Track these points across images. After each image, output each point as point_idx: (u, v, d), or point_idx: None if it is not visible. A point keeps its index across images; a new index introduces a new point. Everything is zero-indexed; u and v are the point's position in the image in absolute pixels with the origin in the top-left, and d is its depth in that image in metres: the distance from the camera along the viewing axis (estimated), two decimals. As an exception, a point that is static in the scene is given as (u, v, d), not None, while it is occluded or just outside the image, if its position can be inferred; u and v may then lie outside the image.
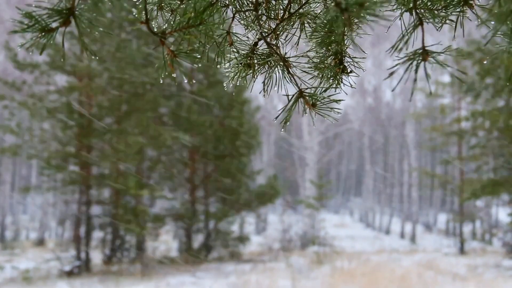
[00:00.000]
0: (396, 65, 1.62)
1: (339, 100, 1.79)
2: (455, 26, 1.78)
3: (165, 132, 19.18)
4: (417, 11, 1.66)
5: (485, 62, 19.63)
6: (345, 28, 1.63)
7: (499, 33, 1.68)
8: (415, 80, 1.60)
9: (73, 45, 19.11)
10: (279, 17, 1.91)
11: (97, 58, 18.57)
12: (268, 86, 1.90)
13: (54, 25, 1.57)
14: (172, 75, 1.85)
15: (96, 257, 20.00)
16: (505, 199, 22.52)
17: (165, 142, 19.39)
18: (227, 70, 1.89)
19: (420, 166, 49.30)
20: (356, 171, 69.02)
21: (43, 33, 1.56)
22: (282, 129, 1.92)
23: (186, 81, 22.20)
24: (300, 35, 1.90)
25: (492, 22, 1.66)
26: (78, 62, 18.76)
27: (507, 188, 20.24)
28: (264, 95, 1.94)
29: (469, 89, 20.95)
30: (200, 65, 1.83)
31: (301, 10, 1.90)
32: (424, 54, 1.60)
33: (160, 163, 21.56)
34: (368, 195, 52.44)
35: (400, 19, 1.68)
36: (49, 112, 18.55)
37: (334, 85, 1.85)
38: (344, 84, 1.88)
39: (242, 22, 1.93)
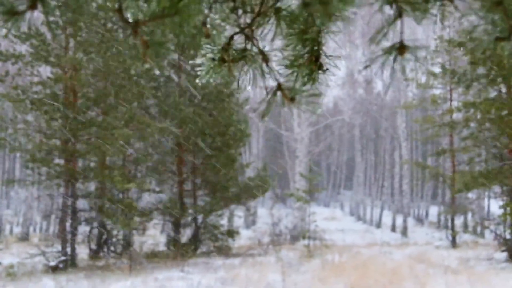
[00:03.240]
0: (371, 59, 1.61)
1: (318, 94, 1.77)
2: (438, 19, 1.62)
3: (152, 124, 18.90)
4: (397, 3, 1.60)
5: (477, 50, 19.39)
6: (320, 25, 1.62)
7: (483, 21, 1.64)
8: (391, 74, 1.60)
9: (57, 35, 18.75)
10: (255, 12, 1.83)
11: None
12: (243, 82, 1.88)
13: (21, 8, 1.52)
14: (146, 65, 1.62)
15: (82, 252, 19.75)
16: (497, 191, 22.31)
17: (152, 134, 19.11)
18: (199, 68, 1.83)
19: (412, 158, 49.20)
20: (347, 163, 68.99)
21: (8, 16, 1.52)
22: (261, 121, 1.72)
23: (172, 72, 22.03)
24: (276, 31, 1.81)
25: (473, 15, 1.65)
26: (63, 53, 18.43)
27: (499, 180, 20.07)
28: (238, 92, 1.75)
29: (461, 79, 20.75)
30: (175, 56, 1.61)
31: (278, 4, 1.82)
32: (401, 48, 1.56)
33: (147, 156, 21.29)
34: (359, 187, 52.37)
35: (380, 11, 1.62)
36: (33, 104, 18.22)
37: (310, 83, 1.79)
38: (321, 82, 1.83)
39: (218, 15, 1.76)
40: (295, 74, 1.78)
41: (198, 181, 22.49)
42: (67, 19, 18.22)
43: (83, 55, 18.57)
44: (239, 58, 1.82)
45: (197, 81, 1.83)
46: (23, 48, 19.48)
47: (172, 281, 14.40)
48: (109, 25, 19.87)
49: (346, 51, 46.08)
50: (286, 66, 1.78)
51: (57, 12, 18.29)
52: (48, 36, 18.69)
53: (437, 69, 26.94)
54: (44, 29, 18.72)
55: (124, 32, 19.88)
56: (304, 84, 1.77)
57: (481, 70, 19.78)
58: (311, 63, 1.76)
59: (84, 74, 18.53)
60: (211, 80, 1.87)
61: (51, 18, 18.33)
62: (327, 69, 1.78)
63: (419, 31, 43.12)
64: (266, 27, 1.83)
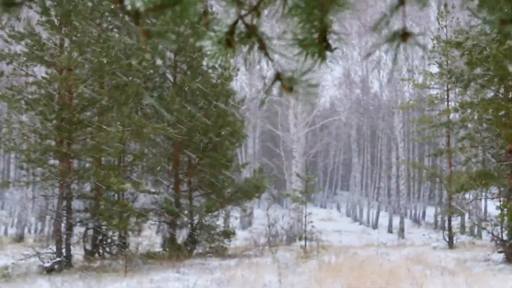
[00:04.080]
0: (376, 45, 1.66)
1: (316, 85, 1.77)
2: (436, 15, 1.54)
3: (148, 124, 18.80)
4: None
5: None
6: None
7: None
8: (394, 60, 1.64)
9: (53, 35, 18.65)
10: None
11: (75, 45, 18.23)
12: (248, 65, 1.90)
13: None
14: (146, 56, 1.58)
15: (78, 253, 19.64)
16: (494, 192, 22.27)
17: (147, 135, 19.02)
18: (208, 48, 1.81)
19: (408, 158, 49.16)
20: (343, 164, 68.98)
21: (5, 7, 1.51)
22: (258, 109, 1.69)
23: (168, 72, 21.92)
24: (282, 12, 1.79)
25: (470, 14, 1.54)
26: (58, 53, 18.32)
27: (496, 181, 20.02)
28: (245, 69, 1.70)
29: (458, 79, 20.70)
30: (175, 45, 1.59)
31: None
32: (405, 35, 1.58)
33: (143, 156, 21.19)
34: (355, 188, 52.30)
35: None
36: (28, 104, 18.11)
37: (318, 62, 1.78)
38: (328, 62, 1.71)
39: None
40: (303, 54, 1.78)
41: (194, 182, 22.38)
42: (62, 18, 18.11)
43: (78, 55, 18.46)
44: (245, 41, 1.81)
45: (203, 63, 1.82)
46: (18, 48, 19.37)
47: (168, 282, 14.29)
48: (104, 25, 19.80)
49: (342, 51, 46.03)
50: (294, 44, 1.77)
51: (52, 12, 18.19)
52: (43, 35, 18.59)
53: (434, 69, 26.92)
54: (39, 29, 18.63)
55: (119, 32, 19.79)
56: (314, 61, 1.77)
57: (478, 70, 19.74)
58: (319, 42, 1.77)
59: (79, 74, 18.42)
60: (218, 62, 1.86)
61: (46, 18, 18.23)
62: (336, 48, 1.79)
63: (416, 31, 43.03)
64: (273, 8, 1.82)
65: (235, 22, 1.79)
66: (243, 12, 1.80)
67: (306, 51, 1.78)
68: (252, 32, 1.78)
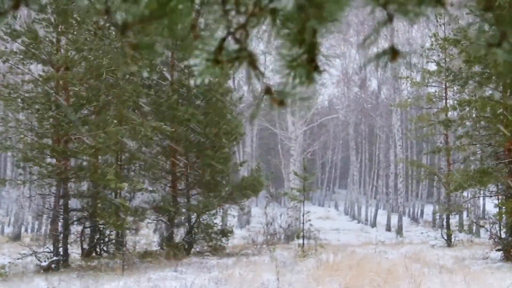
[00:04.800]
0: (364, 63, 1.46)
1: (308, 98, 1.70)
2: (432, 18, 1.59)
3: (145, 122, 18.74)
4: (388, 7, 1.56)
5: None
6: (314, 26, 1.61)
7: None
8: (383, 76, 1.44)
9: (49, 33, 18.57)
10: (249, 12, 1.72)
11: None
12: (238, 82, 1.70)
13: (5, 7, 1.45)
14: (131, 68, 1.56)
15: (75, 252, 19.58)
16: (493, 190, 22.24)
17: (145, 133, 18.96)
18: (195, 68, 1.68)
19: (407, 156, 49.14)
20: (341, 162, 68.94)
21: None
22: (251, 124, 1.63)
23: (165, 70, 21.87)
24: (271, 32, 1.72)
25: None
26: (55, 51, 18.24)
27: (495, 179, 19.99)
28: (231, 91, 1.64)
29: (456, 77, 20.66)
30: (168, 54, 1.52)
31: (273, 5, 1.71)
32: (393, 54, 1.52)
33: (140, 155, 21.13)
34: (354, 186, 52.25)
35: (372, 14, 1.59)
36: (24, 102, 18.04)
37: (306, 84, 1.71)
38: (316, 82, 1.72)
39: (209, 16, 1.74)
40: (291, 75, 1.69)
41: (192, 180, 22.33)
42: (59, 16, 18.03)
43: (75, 53, 18.39)
44: (233, 59, 1.71)
45: (191, 82, 1.75)
46: (14, 46, 19.30)
47: (166, 281, 14.23)
48: (101, 22, 19.71)
49: (340, 49, 45.98)
50: (282, 67, 1.70)
51: (49, 9, 18.12)
52: (40, 33, 18.50)
53: (432, 67, 26.88)
54: (35, 27, 18.54)
55: (116, 30, 19.70)
56: (302, 83, 1.69)
57: (476, 68, 19.69)
58: (308, 64, 1.68)
59: (76, 72, 18.35)
60: (206, 81, 1.78)
61: (43, 16, 18.17)
62: (324, 70, 1.69)
63: (413, 29, 43.02)
64: (262, 28, 1.72)
65: (224, 39, 1.71)
66: (232, 29, 1.71)
67: (294, 73, 1.70)
68: (241, 50, 1.69)
